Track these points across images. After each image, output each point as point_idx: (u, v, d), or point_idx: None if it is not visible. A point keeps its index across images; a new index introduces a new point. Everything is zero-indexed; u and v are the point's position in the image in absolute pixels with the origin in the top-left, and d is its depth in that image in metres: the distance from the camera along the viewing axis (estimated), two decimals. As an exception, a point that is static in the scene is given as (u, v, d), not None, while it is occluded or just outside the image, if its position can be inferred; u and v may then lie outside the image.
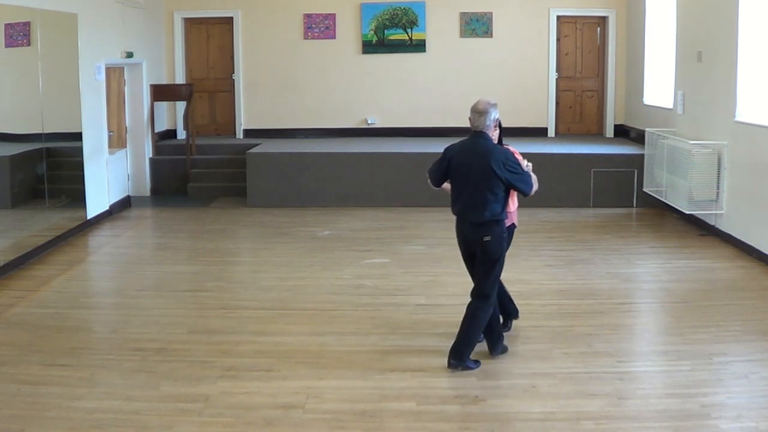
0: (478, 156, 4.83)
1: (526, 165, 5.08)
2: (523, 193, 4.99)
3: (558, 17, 12.25)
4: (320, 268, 7.52)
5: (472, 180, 4.85)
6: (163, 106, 12.08)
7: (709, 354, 5.30)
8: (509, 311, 5.70)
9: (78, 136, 9.08)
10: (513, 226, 5.48)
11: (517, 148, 10.32)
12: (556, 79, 12.40)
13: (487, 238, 4.89)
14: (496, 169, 4.78)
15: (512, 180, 4.85)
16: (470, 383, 4.83)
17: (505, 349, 5.25)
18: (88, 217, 9.31)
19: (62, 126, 8.97)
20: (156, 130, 11.67)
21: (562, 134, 12.45)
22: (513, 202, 5.26)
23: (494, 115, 4.90)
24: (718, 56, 8.41)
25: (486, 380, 4.87)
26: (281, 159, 10.61)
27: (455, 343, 5.00)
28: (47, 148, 8.44)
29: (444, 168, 5.01)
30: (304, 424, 4.34)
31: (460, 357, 4.96)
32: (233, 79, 12.53)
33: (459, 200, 4.95)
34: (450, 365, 4.97)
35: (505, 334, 5.49)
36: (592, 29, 12.46)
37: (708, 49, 8.72)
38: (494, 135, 5.00)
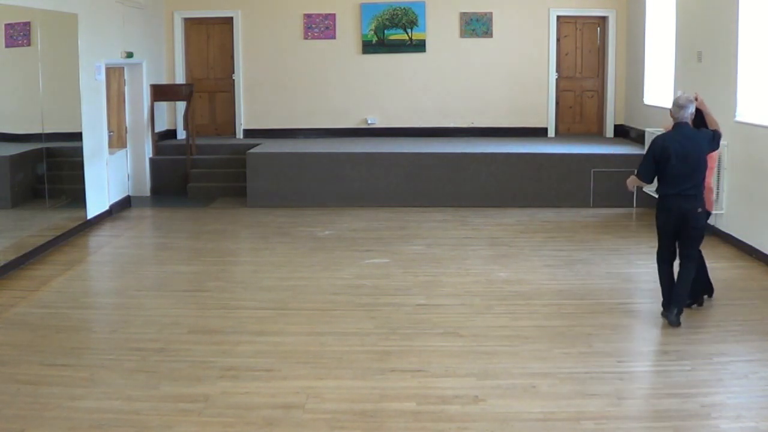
0: (691, 143, 5.75)
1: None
2: (718, 144, 5.98)
3: (558, 17, 12.25)
4: (320, 268, 7.52)
5: (690, 163, 5.72)
6: (163, 106, 12.09)
7: (709, 354, 5.30)
8: (707, 287, 6.36)
9: (78, 136, 9.08)
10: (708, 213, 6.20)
11: (517, 148, 10.48)
12: (556, 79, 12.40)
13: (700, 210, 5.84)
14: (707, 149, 5.80)
15: (714, 144, 5.88)
16: (470, 383, 4.83)
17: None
18: (88, 217, 9.31)
19: (62, 126, 8.97)
20: (156, 130, 11.67)
21: (562, 134, 12.46)
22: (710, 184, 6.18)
23: (691, 109, 5.82)
24: (718, 56, 8.41)
25: (486, 380, 4.88)
26: (281, 159, 10.62)
27: (678, 302, 5.84)
28: (47, 148, 8.44)
29: (656, 160, 5.79)
30: (304, 424, 4.34)
31: (681, 311, 5.86)
32: (233, 79, 12.53)
33: (676, 181, 5.76)
34: (676, 321, 5.79)
35: (507, 334, 5.46)
36: (592, 29, 12.46)
37: (708, 49, 8.72)
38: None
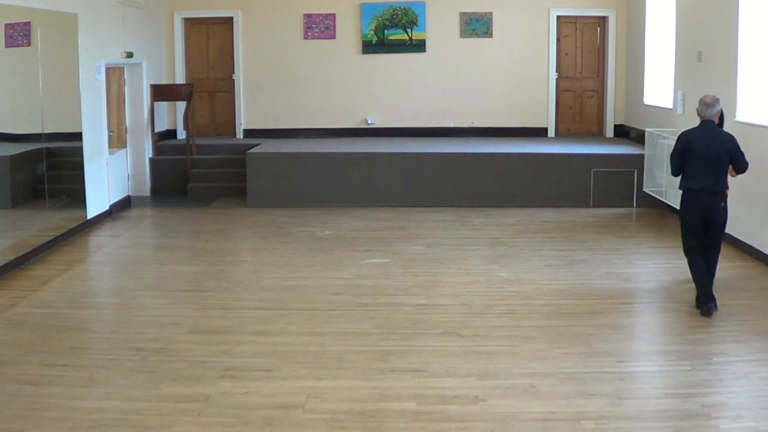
0: (714, 140, 6.00)
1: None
2: (741, 169, 6.13)
3: (558, 17, 12.25)
4: (320, 268, 7.52)
5: (712, 160, 5.98)
6: (163, 106, 12.09)
7: (709, 354, 5.30)
8: None
9: (78, 136, 9.08)
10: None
11: (517, 148, 10.58)
12: (556, 79, 12.40)
13: (722, 204, 6.10)
14: (730, 149, 6.00)
15: (737, 157, 6.04)
16: (470, 383, 4.83)
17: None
18: (88, 217, 9.31)
19: (62, 126, 8.97)
20: (156, 130, 11.67)
21: (562, 134, 12.46)
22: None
23: (718, 107, 6.09)
24: (718, 56, 8.41)
25: (486, 380, 4.88)
26: (281, 159, 10.62)
27: (709, 291, 6.04)
28: (47, 148, 8.44)
29: (681, 154, 6.09)
30: (304, 424, 4.34)
31: (715, 300, 6.04)
32: (233, 79, 12.53)
33: (698, 176, 6.04)
34: (711, 310, 5.95)
35: (507, 334, 5.53)
36: (592, 29, 12.46)
37: (708, 49, 8.72)
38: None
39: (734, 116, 8.00)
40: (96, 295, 7.17)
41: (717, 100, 6.10)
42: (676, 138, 6.41)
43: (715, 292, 6.60)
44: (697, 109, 6.14)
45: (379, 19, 12.26)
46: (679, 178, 6.33)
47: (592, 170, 10.28)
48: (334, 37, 12.33)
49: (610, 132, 12.39)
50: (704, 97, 6.15)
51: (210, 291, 6.90)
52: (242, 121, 12.52)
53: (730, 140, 6.07)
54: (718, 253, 6.40)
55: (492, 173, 10.37)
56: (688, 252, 6.23)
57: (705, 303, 6.00)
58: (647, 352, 5.54)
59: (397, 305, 6.36)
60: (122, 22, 10.39)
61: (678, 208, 8.90)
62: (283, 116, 12.47)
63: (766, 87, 7.76)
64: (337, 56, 12.35)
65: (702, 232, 6.17)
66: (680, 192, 6.30)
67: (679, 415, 4.39)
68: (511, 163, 10.38)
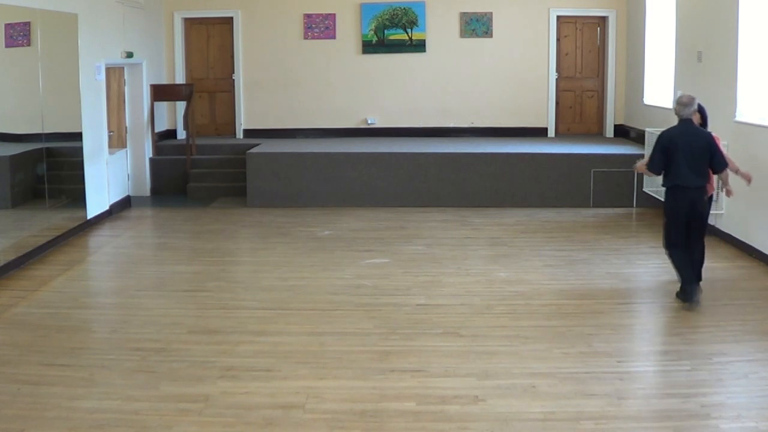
0: (696, 137, 6.17)
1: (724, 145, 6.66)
2: (719, 168, 6.22)
3: (558, 17, 12.25)
4: (320, 268, 7.52)
5: (695, 156, 6.14)
6: (163, 106, 12.09)
7: (709, 354, 5.30)
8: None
9: (78, 136, 9.08)
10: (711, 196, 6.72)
11: (516, 148, 10.59)
12: (556, 79, 12.40)
13: (706, 198, 6.35)
14: (709, 146, 6.15)
15: (714, 155, 6.17)
16: (470, 383, 4.83)
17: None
18: (88, 217, 9.31)
19: (62, 126, 8.97)
20: (156, 130, 11.67)
21: (562, 134, 12.46)
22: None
23: (695, 106, 6.24)
24: (718, 56, 8.41)
25: (486, 380, 4.88)
26: (281, 159, 10.62)
27: (692, 276, 6.22)
28: (47, 148, 8.44)
29: (664, 152, 6.19)
30: (304, 424, 4.34)
31: (700, 282, 6.30)
32: (233, 79, 12.53)
33: (685, 173, 6.17)
34: (696, 292, 6.18)
35: (507, 334, 5.56)
36: (592, 29, 12.46)
37: (708, 49, 8.72)
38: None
39: (734, 116, 8.01)
40: (96, 295, 7.18)
41: (693, 99, 6.25)
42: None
43: (716, 292, 6.64)
44: (675, 109, 6.29)
45: (379, 19, 12.26)
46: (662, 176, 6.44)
47: (592, 170, 10.28)
48: (334, 37, 12.33)
49: (610, 132, 12.40)
50: (681, 96, 6.31)
51: (210, 291, 6.90)
52: (242, 121, 12.52)
53: (709, 137, 6.22)
54: (703, 249, 6.54)
55: (492, 173, 10.37)
56: (671, 247, 6.34)
57: (689, 284, 6.15)
58: (647, 352, 5.54)
59: (397, 305, 6.36)
60: (122, 22, 10.39)
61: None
62: (283, 116, 12.47)
63: (766, 87, 7.75)
64: (337, 56, 12.35)
65: (685, 227, 6.30)
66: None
67: (679, 415, 4.39)
68: (511, 163, 10.38)
